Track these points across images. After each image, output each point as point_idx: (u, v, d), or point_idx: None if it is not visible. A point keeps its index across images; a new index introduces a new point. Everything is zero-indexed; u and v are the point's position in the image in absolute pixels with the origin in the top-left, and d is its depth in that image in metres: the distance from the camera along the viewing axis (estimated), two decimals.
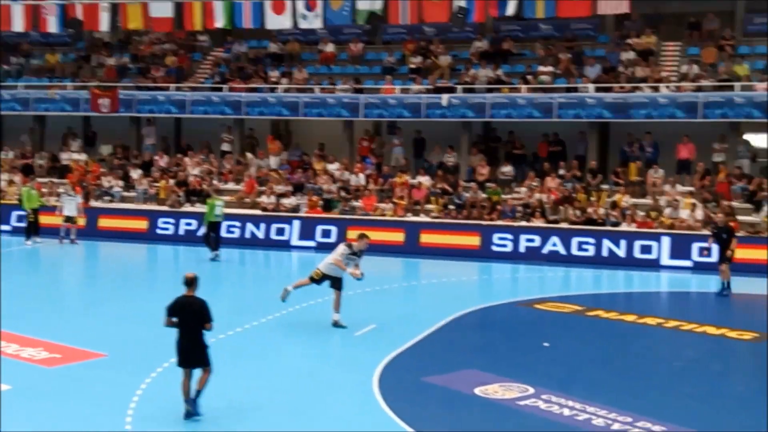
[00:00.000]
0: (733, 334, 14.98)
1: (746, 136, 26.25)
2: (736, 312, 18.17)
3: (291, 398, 11.13)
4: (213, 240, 22.57)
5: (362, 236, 15.20)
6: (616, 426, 10.13)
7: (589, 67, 27.17)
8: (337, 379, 12.12)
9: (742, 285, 19.42)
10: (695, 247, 21.80)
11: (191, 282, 10.31)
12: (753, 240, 21.22)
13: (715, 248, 19.49)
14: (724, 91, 24.99)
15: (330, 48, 31.21)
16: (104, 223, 26.59)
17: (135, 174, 28.93)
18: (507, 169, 26.52)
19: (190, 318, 10.07)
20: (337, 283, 14.87)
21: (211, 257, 22.28)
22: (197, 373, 10.13)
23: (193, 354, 10.08)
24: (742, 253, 21.10)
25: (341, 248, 14.94)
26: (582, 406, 10.75)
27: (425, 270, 22.37)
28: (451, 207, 25.13)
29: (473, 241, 23.70)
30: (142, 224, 26.36)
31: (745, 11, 28.45)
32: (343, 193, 26.51)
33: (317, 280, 14.93)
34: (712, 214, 22.78)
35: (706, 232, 22.19)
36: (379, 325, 15.19)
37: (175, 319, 10.09)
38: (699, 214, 22.83)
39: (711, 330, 15.20)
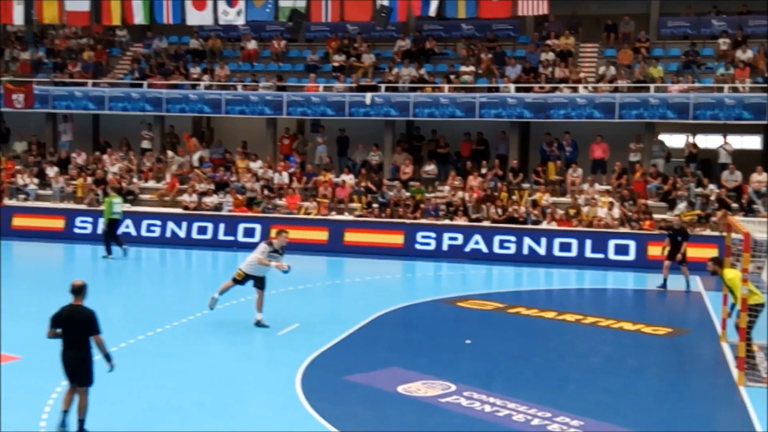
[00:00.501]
0: (648, 329, 15.38)
1: (661, 137, 27.00)
2: (651, 308, 18.66)
3: (212, 398, 11.00)
4: (111, 238, 22.25)
5: (280, 232, 15.17)
6: (535, 421, 10.30)
7: (510, 67, 27.57)
8: (260, 379, 12.03)
9: (656, 281, 19.96)
10: (612, 244, 22.32)
11: (79, 290, 9.50)
12: (665, 237, 21.77)
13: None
14: (640, 92, 25.66)
15: (252, 45, 30.93)
16: (19, 222, 25.84)
17: (51, 172, 28.18)
18: (430, 167, 26.71)
19: (75, 329, 9.34)
20: (259, 283, 14.80)
21: (103, 256, 21.98)
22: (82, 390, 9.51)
23: (77, 369, 9.41)
24: (656, 251, 21.75)
25: (262, 246, 14.86)
26: (503, 403, 10.90)
27: (349, 268, 22.37)
28: (375, 205, 25.20)
29: (397, 239, 23.80)
30: (58, 223, 25.70)
31: (659, 14, 29.26)
32: (266, 192, 26.31)
33: (240, 280, 14.83)
34: (629, 212, 23.37)
35: (624, 230, 22.76)
36: (302, 324, 15.13)
37: (59, 330, 9.41)
38: (616, 212, 23.39)
39: (627, 326, 15.58)
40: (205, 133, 31.47)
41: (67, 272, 22.44)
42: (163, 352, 13.17)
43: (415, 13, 27.64)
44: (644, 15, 29.36)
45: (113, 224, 22.40)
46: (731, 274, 13.01)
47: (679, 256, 19.48)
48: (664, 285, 19.32)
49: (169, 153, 28.87)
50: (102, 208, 23.06)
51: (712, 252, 20.65)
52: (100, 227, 23.41)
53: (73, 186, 27.45)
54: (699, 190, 24.23)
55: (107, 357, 9.46)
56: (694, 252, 20.01)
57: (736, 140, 27.09)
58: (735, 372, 12.29)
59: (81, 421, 9.45)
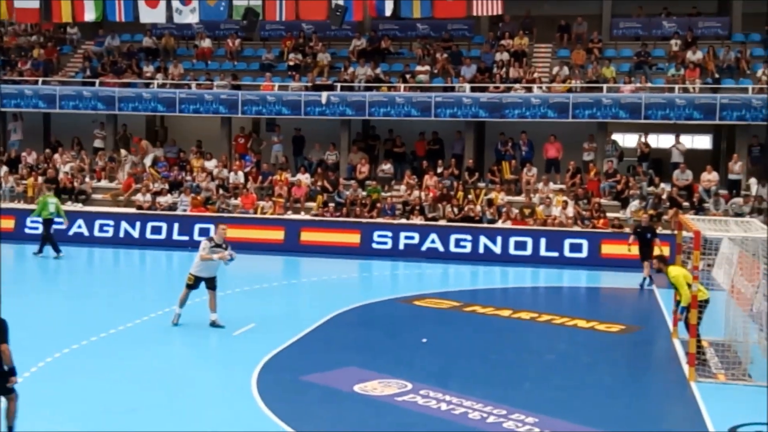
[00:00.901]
0: (601, 327, 15.57)
1: (614, 136, 27.34)
2: (604, 306, 18.91)
3: (167, 399, 10.90)
4: (45, 238, 21.96)
5: (217, 226, 15.15)
6: (491, 419, 10.37)
7: (465, 67, 27.70)
8: (215, 379, 11.95)
9: (610, 279, 20.23)
10: (567, 243, 22.54)
11: None
12: (620, 236, 22.09)
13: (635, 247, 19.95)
14: (593, 93, 25.97)
15: (207, 43, 30.68)
16: None
17: (0, 171, 27.65)
18: (387, 167, 26.74)
19: None
20: (210, 283, 14.73)
21: (54, 257, 21.70)
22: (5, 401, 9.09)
23: None
24: (609, 249, 22.07)
25: (203, 244, 14.82)
26: (459, 401, 10.96)
27: (305, 268, 22.30)
28: (331, 205, 25.15)
29: (353, 238, 23.78)
30: (8, 223, 25.15)
31: (611, 16, 29.65)
32: (221, 191, 26.12)
33: (192, 284, 14.73)
34: (583, 211, 23.63)
35: (578, 228, 23.01)
36: (258, 324, 15.05)
37: None
38: (570, 211, 23.63)
39: (581, 324, 15.76)
40: (159, 132, 31.13)
41: (18, 273, 22.05)
42: (117, 353, 13.01)
43: (371, 12, 27.66)
44: (597, 16, 29.71)
45: (48, 224, 22.10)
46: (675, 272, 13.25)
47: (655, 252, 19.38)
48: (644, 283, 19.39)
49: (122, 152, 28.50)
50: (35, 206, 22.84)
51: (665, 250, 21.00)
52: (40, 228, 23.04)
53: (23, 186, 26.98)
54: (651, 189, 24.59)
55: (11, 371, 8.96)
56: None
57: (686, 140, 27.55)
58: (686, 368, 12.50)
59: (10, 428, 9.18)
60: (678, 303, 13.38)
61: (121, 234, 24.67)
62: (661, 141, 28.34)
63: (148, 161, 27.78)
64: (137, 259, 23.43)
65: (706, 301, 13.09)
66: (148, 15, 26.15)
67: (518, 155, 26.52)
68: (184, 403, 10.82)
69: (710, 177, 24.37)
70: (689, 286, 12.75)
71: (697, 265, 12.45)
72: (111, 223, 24.75)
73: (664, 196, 23.89)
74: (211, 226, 23.94)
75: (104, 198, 26.81)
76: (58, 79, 29.73)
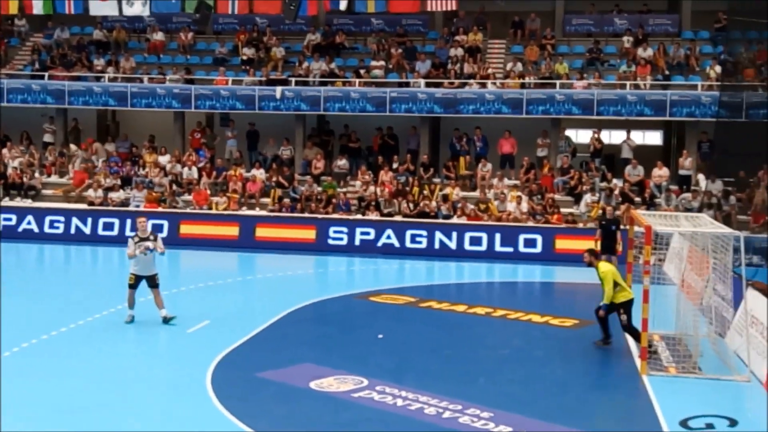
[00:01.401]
0: (555, 321, 15.73)
1: (567, 132, 27.61)
2: (558, 300, 19.09)
3: (119, 398, 10.76)
4: None
5: (137, 219, 15.10)
6: (447, 414, 10.41)
7: (420, 62, 27.75)
8: (169, 378, 11.81)
9: (563, 274, 20.43)
10: (522, 238, 22.70)
11: None
12: (574, 231, 22.31)
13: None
14: (546, 89, 26.19)
15: (159, 37, 30.29)
16: None
17: None
18: (342, 162, 26.68)
19: None
20: (151, 281, 14.61)
21: None
22: None
23: None
24: (563, 244, 22.27)
25: (129, 242, 14.67)
26: (415, 396, 10.98)
27: (261, 264, 22.17)
28: (286, 200, 25.02)
29: (309, 234, 23.68)
30: None
31: (564, 12, 29.93)
32: (174, 187, 25.84)
33: (133, 284, 14.60)
34: (537, 206, 23.82)
35: (532, 224, 23.18)
36: (212, 321, 14.93)
37: None
38: (524, 206, 23.81)
39: (536, 318, 15.90)
40: (111, 127, 30.69)
41: None
42: (68, 351, 12.81)
43: (325, 7, 27.57)
44: (550, 12, 29.97)
45: None
46: (605, 268, 13.52)
47: (619, 248, 19.19)
48: None
49: (72, 147, 28.02)
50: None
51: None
52: None
53: None
54: (603, 184, 24.88)
55: None
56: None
57: (638, 136, 27.94)
58: (638, 361, 12.68)
59: None
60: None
61: (72, 230, 24.26)
62: (613, 137, 28.69)
63: (99, 162, 27.20)
64: (89, 256, 23.08)
65: (631, 301, 13.36)
66: (99, 7, 25.76)
67: (473, 151, 26.65)
68: (137, 401, 10.68)
69: (661, 173, 24.74)
70: (616, 285, 13.15)
71: (649, 259, 12.62)
72: (62, 219, 24.32)
73: (617, 192, 24.18)
74: (165, 222, 23.79)
75: (55, 194, 26.35)
76: (5, 72, 29.12)
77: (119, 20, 30.07)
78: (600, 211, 21.80)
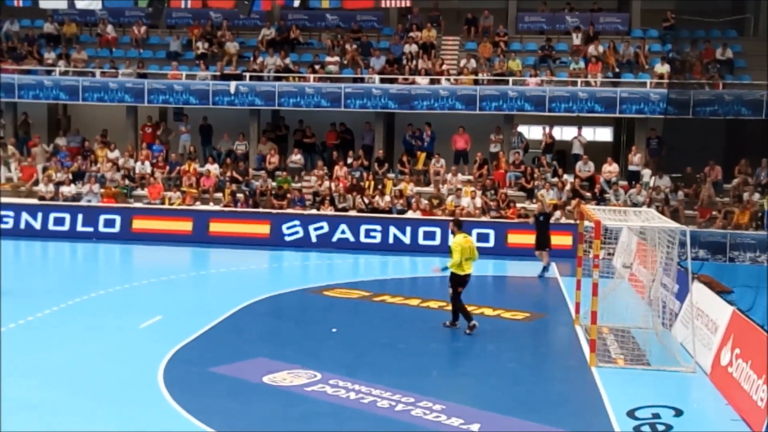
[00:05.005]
0: (507, 314, 15.94)
1: (519, 128, 27.89)
2: (510, 294, 19.33)
3: (69, 395, 10.66)
4: None
5: None
6: (399, 407, 10.51)
7: (374, 58, 27.81)
8: (119, 374, 11.70)
9: (515, 268, 20.65)
10: (475, 233, 22.80)
11: None
12: (525, 226, 22.58)
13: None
14: (499, 85, 26.44)
15: (111, 30, 29.93)
16: None
17: None
18: (297, 157, 26.65)
19: None
20: None
21: None
22: None
23: None
24: (515, 238, 22.54)
25: None
26: (368, 390, 11.07)
27: (214, 259, 22.07)
28: (241, 195, 24.93)
29: (263, 229, 23.64)
30: None
31: (517, 10, 30.22)
32: (127, 182, 25.60)
33: None
34: (490, 201, 24.06)
35: (486, 219, 23.41)
36: (164, 316, 14.86)
37: None
38: (478, 201, 24.03)
39: (488, 311, 16.08)
40: (62, 121, 30.26)
41: None
42: (16, 347, 12.62)
43: (279, 2, 27.49)
44: (503, 10, 30.26)
45: None
46: (457, 240, 14.38)
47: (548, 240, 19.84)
48: (545, 271, 19.86)
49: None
50: None
51: (567, 239, 21.65)
52: None
53: None
54: (555, 180, 25.21)
55: None
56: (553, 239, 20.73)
57: (589, 132, 28.33)
58: (587, 353, 12.92)
59: None
60: (445, 268, 14.43)
61: (22, 225, 23.91)
62: (564, 133, 29.07)
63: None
64: (39, 251, 22.76)
65: (468, 276, 14.34)
66: (48, 1, 25.34)
67: (416, 146, 26.74)
68: (87, 399, 10.58)
69: (611, 168, 25.14)
70: (465, 260, 14.12)
71: (598, 253, 12.86)
72: (11, 214, 23.94)
73: (567, 187, 24.52)
74: (117, 217, 23.56)
75: (3, 188, 25.91)
76: None
77: (70, 13, 29.64)
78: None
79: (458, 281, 14.33)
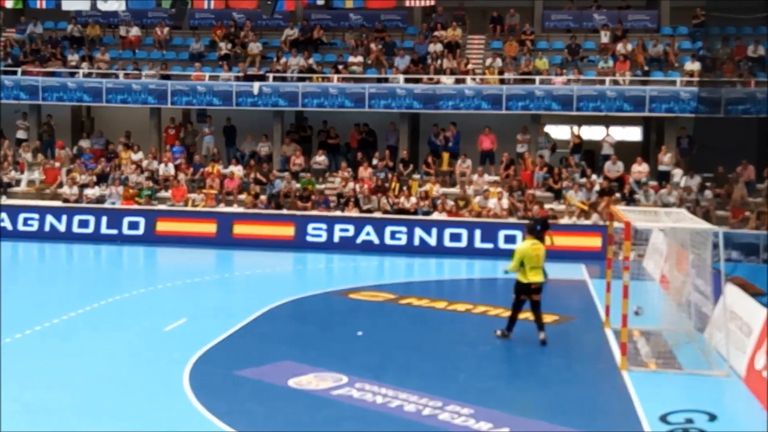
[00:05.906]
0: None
1: (546, 128, 27.61)
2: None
3: (95, 398, 10.56)
4: None
5: None
6: (426, 411, 10.30)
7: (398, 58, 27.63)
8: (145, 377, 11.61)
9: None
10: (502, 234, 22.63)
11: None
12: (553, 227, 22.23)
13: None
14: (526, 84, 26.15)
15: (134, 32, 29.96)
16: None
17: None
18: (321, 158, 26.51)
19: None
20: None
21: None
22: None
23: None
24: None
25: None
26: (395, 393, 10.87)
27: (239, 261, 21.97)
28: (264, 197, 24.81)
29: (287, 231, 23.50)
30: None
31: (543, 8, 29.93)
32: (151, 184, 25.58)
33: None
34: (518, 202, 23.76)
35: (513, 220, 23.08)
36: (189, 318, 14.75)
37: None
38: (505, 202, 23.75)
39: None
40: (85, 123, 30.36)
41: None
42: (41, 351, 12.58)
43: (303, 2, 27.39)
44: (529, 8, 29.98)
45: None
46: (523, 246, 13.90)
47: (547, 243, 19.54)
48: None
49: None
50: None
51: (596, 241, 21.34)
52: None
53: None
54: (583, 180, 24.88)
55: None
56: (579, 241, 20.47)
57: (617, 131, 27.97)
58: (618, 356, 12.64)
59: None
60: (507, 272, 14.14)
61: (47, 228, 23.93)
62: (592, 133, 28.72)
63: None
64: (63, 254, 22.78)
65: (530, 285, 13.68)
66: (71, 3, 25.42)
67: (441, 147, 26.51)
68: (113, 401, 10.49)
69: (640, 168, 24.76)
70: (522, 265, 13.52)
71: (628, 255, 12.58)
72: (36, 216, 23.98)
73: (596, 188, 24.18)
74: (141, 219, 23.54)
75: (29, 191, 26.00)
76: None
77: (93, 15, 29.73)
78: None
79: (521, 289, 13.79)
